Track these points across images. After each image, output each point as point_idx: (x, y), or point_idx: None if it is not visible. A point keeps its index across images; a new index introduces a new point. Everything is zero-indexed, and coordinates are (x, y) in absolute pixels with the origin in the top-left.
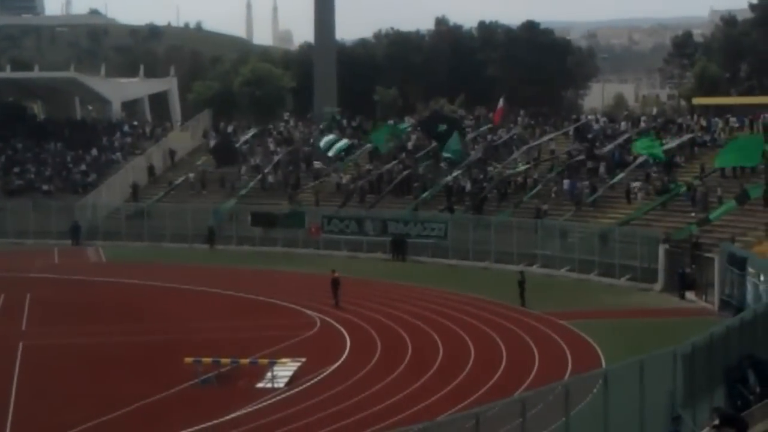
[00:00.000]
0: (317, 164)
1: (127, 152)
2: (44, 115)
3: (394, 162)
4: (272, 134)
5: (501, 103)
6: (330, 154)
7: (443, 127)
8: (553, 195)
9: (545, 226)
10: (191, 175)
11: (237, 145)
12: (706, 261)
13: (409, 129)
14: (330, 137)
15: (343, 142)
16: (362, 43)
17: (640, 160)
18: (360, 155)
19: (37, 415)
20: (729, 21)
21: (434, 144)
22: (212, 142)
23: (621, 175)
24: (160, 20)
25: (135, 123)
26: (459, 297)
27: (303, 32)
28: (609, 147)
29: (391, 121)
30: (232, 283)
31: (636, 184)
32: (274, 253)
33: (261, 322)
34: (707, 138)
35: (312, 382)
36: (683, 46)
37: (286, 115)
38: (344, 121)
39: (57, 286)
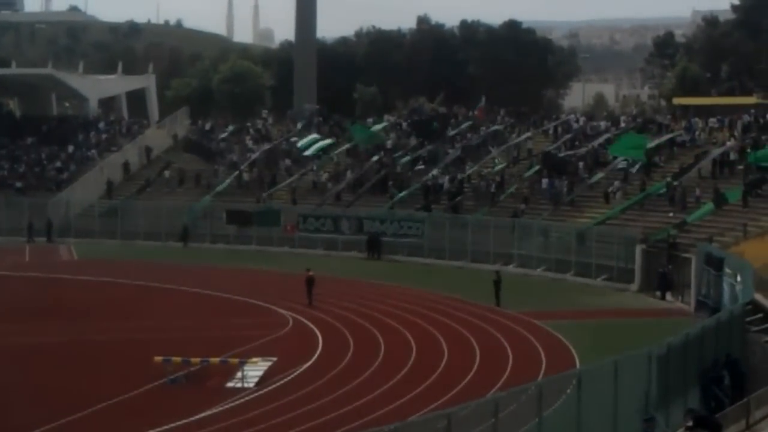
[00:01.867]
0: (287, 162)
1: (103, 149)
2: (20, 111)
3: (373, 160)
4: (250, 132)
5: (482, 103)
6: (308, 153)
7: (437, 125)
8: (531, 194)
9: (522, 225)
10: (167, 172)
11: (212, 143)
12: (683, 261)
13: (383, 128)
14: (312, 136)
15: (325, 142)
16: (343, 41)
17: (619, 160)
18: (338, 153)
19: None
20: (711, 22)
21: (414, 143)
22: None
23: (600, 175)
24: (140, 17)
25: (112, 120)
26: (434, 296)
27: (284, 30)
28: (589, 146)
29: (370, 120)
30: (205, 281)
31: (615, 184)
32: (248, 251)
33: (233, 321)
34: (687, 138)
35: (283, 381)
36: (664, 47)
37: (264, 113)
38: (321, 119)
39: (25, 283)
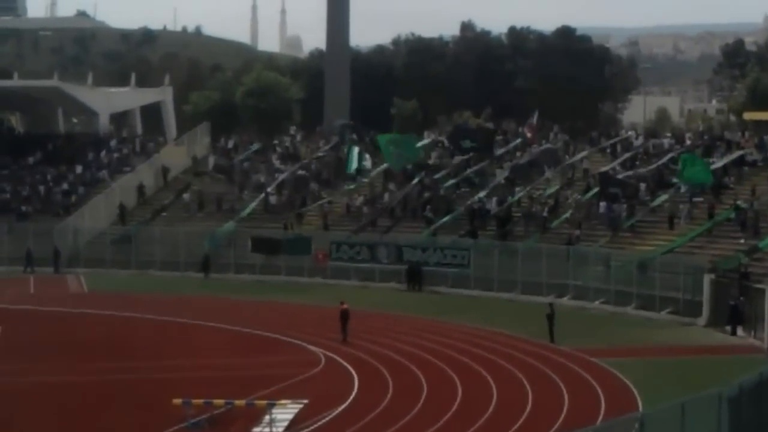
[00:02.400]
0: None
1: (115, 170)
2: (23, 128)
3: (413, 182)
4: (277, 150)
5: (533, 119)
6: (354, 167)
7: (468, 143)
8: (587, 219)
9: (578, 253)
10: (186, 195)
11: (235, 163)
12: (755, 293)
13: (425, 146)
14: (355, 153)
15: (366, 158)
16: (379, 50)
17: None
18: (374, 174)
19: None
20: None
21: (457, 162)
22: (211, 160)
23: (663, 198)
24: (155, 24)
25: (124, 137)
26: (481, 332)
27: (314, 38)
28: (650, 166)
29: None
30: (229, 315)
31: (680, 208)
32: (276, 282)
33: (260, 359)
34: (759, 157)
35: (315, 426)
36: (734, 56)
37: (292, 129)
38: (355, 136)
39: (32, 318)
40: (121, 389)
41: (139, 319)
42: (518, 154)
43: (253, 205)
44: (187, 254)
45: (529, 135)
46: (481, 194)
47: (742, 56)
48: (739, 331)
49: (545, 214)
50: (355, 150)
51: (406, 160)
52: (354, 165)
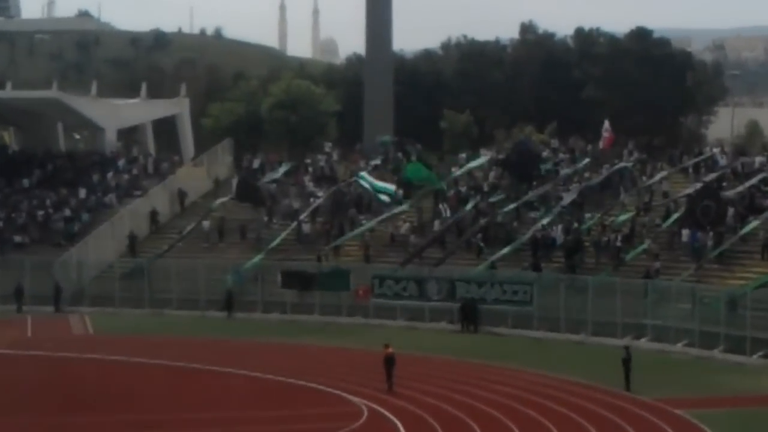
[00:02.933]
0: (357, 210)
1: (124, 194)
2: (18, 145)
3: (467, 207)
4: (310, 170)
5: (606, 125)
6: (383, 198)
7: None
8: (667, 249)
9: (657, 288)
10: (206, 222)
11: (260, 184)
12: None
13: (480, 165)
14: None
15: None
16: (426, 55)
17: None
18: (423, 198)
19: None
20: None
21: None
22: (234, 182)
23: (755, 224)
24: (169, 26)
25: (134, 156)
26: (546, 379)
27: (351, 42)
28: (740, 188)
29: (462, 156)
30: (256, 360)
31: None
32: (310, 322)
33: (292, 411)
34: None
35: None
36: None
37: (328, 147)
38: (401, 154)
39: (28, 365)
40: None
41: (152, 365)
42: (587, 174)
43: (283, 234)
44: (207, 291)
45: (604, 141)
46: (545, 221)
47: None
48: None
49: (619, 243)
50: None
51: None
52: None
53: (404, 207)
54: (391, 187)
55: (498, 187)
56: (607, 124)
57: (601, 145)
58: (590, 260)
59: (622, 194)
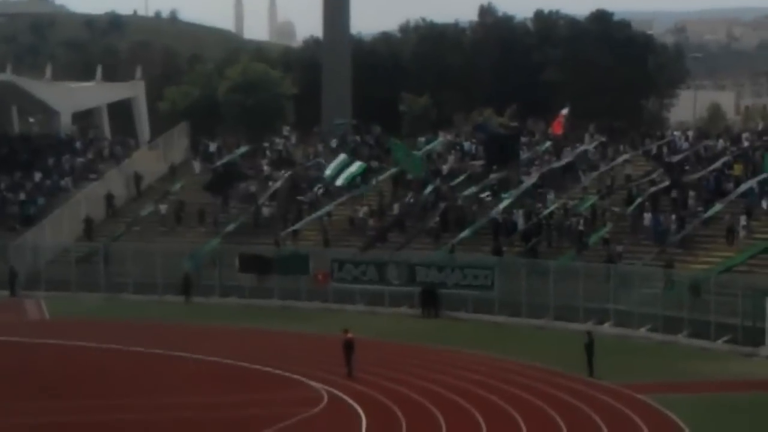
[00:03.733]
0: (316, 193)
1: (80, 177)
2: None
3: (426, 191)
4: (267, 154)
5: (564, 111)
6: (339, 182)
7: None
8: (630, 233)
9: (620, 273)
10: (162, 206)
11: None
12: None
13: (434, 147)
14: (340, 159)
15: (357, 166)
16: (385, 37)
17: (743, 188)
18: (381, 181)
19: None
20: None
21: (479, 167)
22: (197, 166)
23: (718, 208)
24: (124, 8)
25: (90, 140)
26: (508, 364)
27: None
28: (702, 172)
29: (421, 139)
30: (214, 345)
31: (741, 219)
32: (269, 307)
33: (251, 396)
34: None
35: None
36: None
37: (285, 130)
38: (359, 138)
39: None
40: None
41: (109, 350)
42: (547, 158)
43: (241, 218)
44: (164, 275)
45: (555, 125)
46: (505, 204)
47: None
48: None
49: (581, 227)
50: (339, 159)
51: (416, 168)
52: (341, 180)
53: (362, 190)
54: (357, 167)
55: (459, 171)
56: (565, 110)
57: (553, 128)
58: (552, 245)
59: (583, 178)
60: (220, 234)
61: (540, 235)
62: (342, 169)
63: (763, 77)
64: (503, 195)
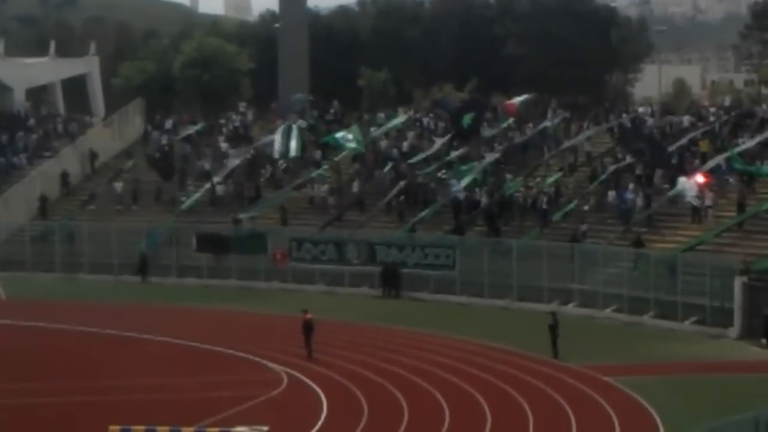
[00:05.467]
0: (275, 170)
1: (34, 155)
2: None
3: (385, 169)
4: (224, 131)
5: (521, 98)
6: (293, 154)
7: (468, 119)
8: (594, 211)
9: (584, 252)
10: (117, 184)
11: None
12: None
13: (395, 126)
14: (280, 131)
15: (297, 132)
16: (342, 11)
17: (710, 164)
18: (341, 158)
19: None
20: None
21: (438, 145)
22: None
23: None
24: None
25: (44, 116)
26: (470, 346)
27: None
28: (670, 148)
29: (381, 115)
30: (172, 327)
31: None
32: (226, 287)
33: (210, 378)
34: None
35: None
36: (764, 16)
37: (242, 106)
38: (317, 113)
39: None
40: (47, 415)
41: (65, 331)
42: (510, 135)
43: (197, 196)
44: (120, 255)
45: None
46: (466, 181)
47: None
48: None
49: (544, 205)
50: (280, 129)
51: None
52: (292, 151)
53: (322, 169)
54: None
55: (418, 149)
56: (523, 97)
57: (505, 107)
58: (514, 223)
59: (546, 154)
60: (176, 212)
61: (503, 214)
62: (287, 141)
63: (729, 51)
64: (462, 168)
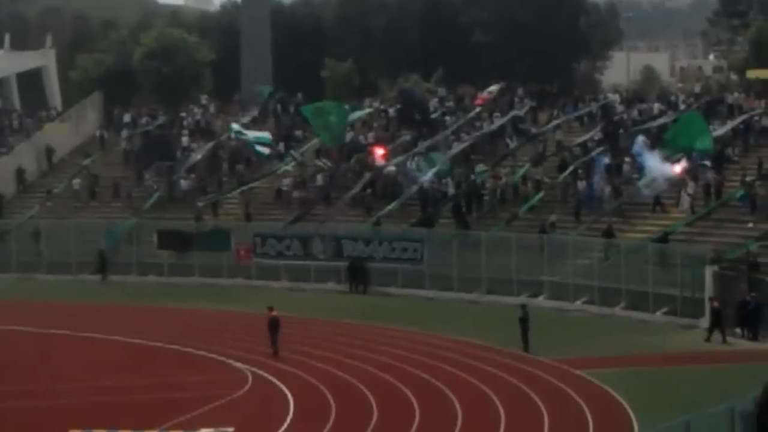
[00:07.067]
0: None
1: None
2: None
3: (351, 161)
4: (185, 124)
5: (493, 89)
6: (261, 150)
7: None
8: (563, 201)
9: (554, 243)
10: (76, 181)
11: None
12: None
13: (360, 117)
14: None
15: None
16: (305, 1)
17: (679, 154)
18: (304, 152)
19: None
20: None
21: (406, 136)
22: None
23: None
24: None
25: None
26: (439, 340)
27: None
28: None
29: (346, 107)
30: (133, 326)
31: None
32: (189, 285)
33: (173, 379)
34: None
35: None
36: (733, 2)
37: (203, 99)
38: (281, 105)
39: None
40: (4, 420)
41: (22, 332)
42: (478, 125)
43: (158, 192)
44: (79, 253)
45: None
46: (432, 171)
47: (743, 3)
48: (751, 334)
49: (513, 196)
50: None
51: (338, 132)
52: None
53: (287, 162)
54: (267, 135)
55: (384, 140)
56: (495, 87)
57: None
58: (484, 215)
59: (511, 144)
60: (137, 210)
61: (472, 206)
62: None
63: (697, 38)
64: (432, 154)
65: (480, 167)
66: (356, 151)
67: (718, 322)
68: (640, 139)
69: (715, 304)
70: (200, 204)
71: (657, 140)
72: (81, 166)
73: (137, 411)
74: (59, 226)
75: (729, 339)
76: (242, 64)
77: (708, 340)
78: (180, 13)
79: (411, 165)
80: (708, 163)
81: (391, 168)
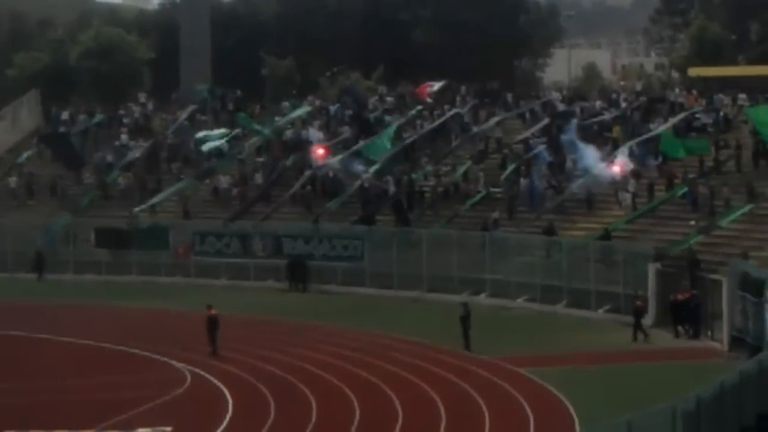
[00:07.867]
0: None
1: None
2: None
3: (288, 160)
4: (124, 122)
5: (436, 86)
6: (204, 149)
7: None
8: (505, 199)
9: (496, 241)
10: (12, 179)
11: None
12: (711, 284)
13: (300, 116)
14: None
15: (219, 134)
16: None
17: (623, 150)
18: (248, 150)
19: None
20: None
21: (343, 135)
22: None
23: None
24: None
25: None
26: (380, 339)
27: None
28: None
29: (286, 104)
30: (69, 325)
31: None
32: (127, 283)
33: (110, 378)
34: (709, 120)
35: None
36: (675, 1)
37: (142, 97)
38: (220, 104)
39: None
40: None
41: None
42: (419, 122)
43: (94, 190)
44: (15, 251)
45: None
46: (372, 170)
47: (685, 1)
48: (692, 331)
49: (454, 194)
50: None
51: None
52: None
53: (225, 160)
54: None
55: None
56: (438, 84)
57: (415, 92)
58: (426, 213)
59: (454, 142)
60: (73, 208)
61: (412, 203)
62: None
63: (639, 35)
64: (370, 155)
65: (425, 163)
66: (297, 149)
67: (638, 322)
68: (575, 122)
69: (638, 303)
70: (137, 210)
71: (597, 137)
72: (16, 164)
73: (73, 411)
74: None
75: (668, 336)
76: (181, 63)
77: (634, 339)
78: (118, 11)
79: (356, 164)
80: (653, 161)
81: (334, 163)
